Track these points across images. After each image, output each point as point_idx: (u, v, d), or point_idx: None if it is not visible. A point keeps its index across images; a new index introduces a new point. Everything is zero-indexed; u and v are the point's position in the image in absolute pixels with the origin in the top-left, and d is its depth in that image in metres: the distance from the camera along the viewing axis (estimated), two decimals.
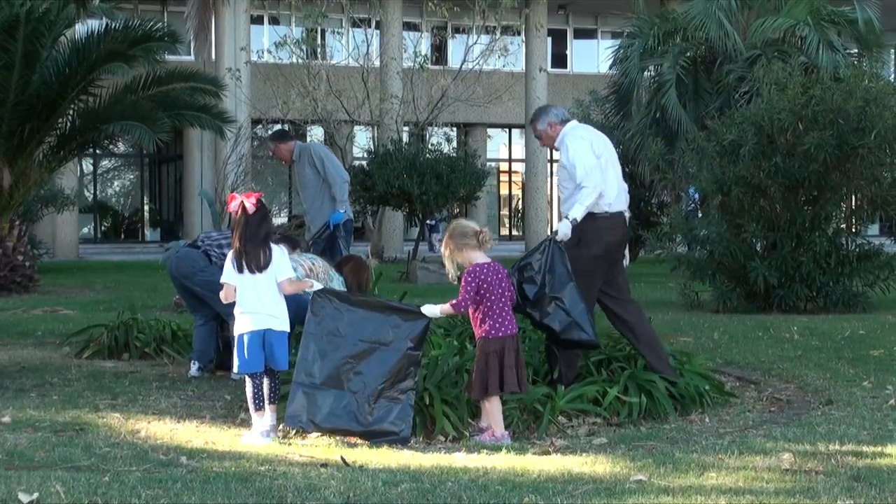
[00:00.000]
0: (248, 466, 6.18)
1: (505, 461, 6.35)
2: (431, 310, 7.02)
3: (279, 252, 7.17)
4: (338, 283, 8.94)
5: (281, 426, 7.13)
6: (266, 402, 7.05)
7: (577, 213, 7.93)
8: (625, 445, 6.85)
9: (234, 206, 7.07)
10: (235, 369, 7.34)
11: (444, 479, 5.84)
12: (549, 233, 8.81)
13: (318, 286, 7.39)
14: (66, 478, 5.73)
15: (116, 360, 10.47)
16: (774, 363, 10.13)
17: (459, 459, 6.40)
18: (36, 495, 5.35)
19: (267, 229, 7.16)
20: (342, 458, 6.35)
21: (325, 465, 6.21)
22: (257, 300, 7.03)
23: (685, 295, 15.89)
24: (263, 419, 7.01)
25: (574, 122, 8.40)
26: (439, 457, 6.50)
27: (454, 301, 6.96)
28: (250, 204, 7.04)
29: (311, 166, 11.08)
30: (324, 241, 10.51)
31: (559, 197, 8.35)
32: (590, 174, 7.96)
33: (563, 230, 7.93)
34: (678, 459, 6.31)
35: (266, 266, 7.03)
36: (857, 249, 15.32)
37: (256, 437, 6.96)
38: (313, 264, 8.95)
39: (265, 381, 7.05)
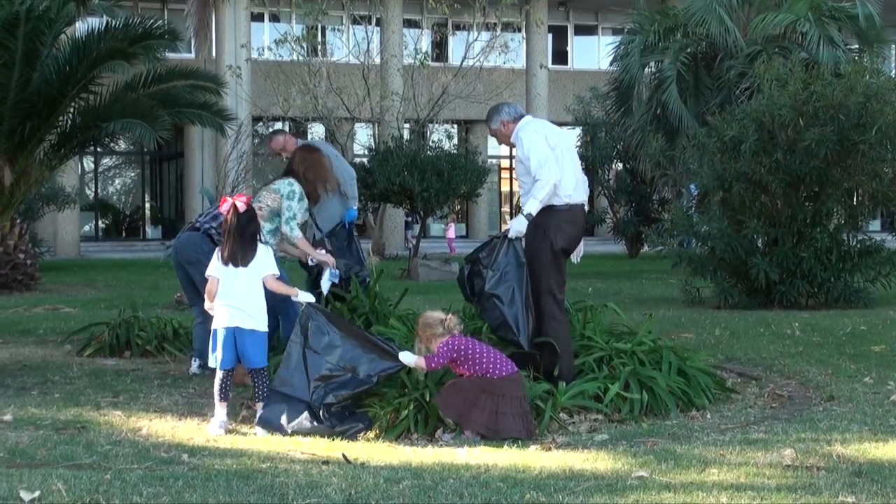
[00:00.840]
0: (249, 464, 6.18)
1: (506, 458, 6.35)
2: (407, 358, 7.16)
3: (265, 250, 7.47)
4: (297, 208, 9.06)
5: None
6: (255, 400, 7.34)
7: (532, 207, 7.90)
8: (626, 442, 6.85)
9: (224, 207, 7.39)
10: (210, 363, 7.52)
11: (446, 475, 5.84)
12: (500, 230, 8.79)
13: (304, 297, 7.49)
14: (68, 476, 5.73)
15: (118, 358, 10.48)
16: (776, 359, 10.12)
17: (461, 456, 6.40)
18: (37, 493, 5.35)
19: (254, 228, 7.46)
20: (344, 455, 6.35)
21: (326, 462, 6.21)
22: (233, 293, 7.26)
23: (686, 291, 15.90)
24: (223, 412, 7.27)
25: (528, 118, 8.38)
26: (441, 453, 6.51)
27: (429, 358, 7.09)
28: (241, 203, 7.35)
29: None
30: (341, 239, 10.35)
31: (519, 192, 8.35)
32: (543, 165, 7.93)
33: (517, 227, 7.91)
34: (679, 456, 6.31)
35: (249, 261, 7.31)
36: (859, 245, 15.32)
37: (214, 427, 7.17)
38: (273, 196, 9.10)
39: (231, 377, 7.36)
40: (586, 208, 8.38)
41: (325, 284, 8.99)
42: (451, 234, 34.43)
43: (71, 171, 29.05)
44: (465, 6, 27.99)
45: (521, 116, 8.31)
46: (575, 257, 8.48)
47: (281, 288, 7.52)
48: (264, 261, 7.39)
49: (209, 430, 7.17)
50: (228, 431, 7.16)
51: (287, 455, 6.46)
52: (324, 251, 9.23)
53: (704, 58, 23.72)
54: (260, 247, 7.43)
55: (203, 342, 9.53)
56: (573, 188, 8.11)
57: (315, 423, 7.06)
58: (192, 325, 9.92)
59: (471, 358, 7.08)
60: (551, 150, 8.03)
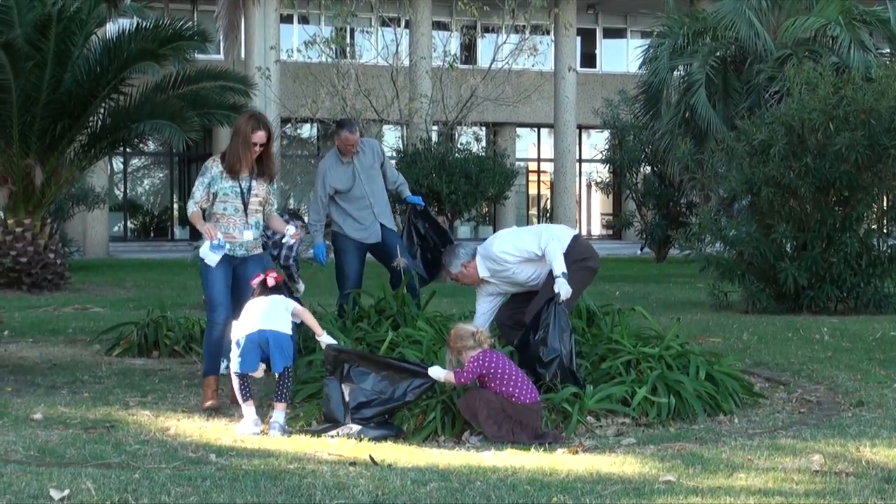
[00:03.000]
0: (277, 464, 6.20)
1: (534, 461, 6.35)
2: (437, 373, 7.20)
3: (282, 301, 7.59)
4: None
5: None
6: (277, 399, 7.38)
7: (561, 266, 8.03)
8: (653, 446, 6.84)
9: (256, 282, 7.64)
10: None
11: (473, 478, 5.84)
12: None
13: (326, 339, 7.58)
14: (97, 475, 5.76)
15: (146, 358, 10.53)
16: (804, 364, 10.08)
17: (488, 459, 6.40)
18: (67, 492, 5.39)
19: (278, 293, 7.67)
20: (371, 456, 6.36)
21: (353, 463, 6.23)
22: (256, 309, 7.48)
23: (714, 295, 15.84)
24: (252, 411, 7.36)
25: (476, 248, 8.45)
26: (468, 456, 6.51)
27: (458, 373, 7.12)
28: (272, 279, 7.60)
29: (377, 160, 10.61)
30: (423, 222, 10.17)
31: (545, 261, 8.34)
32: (539, 239, 8.16)
33: (564, 288, 7.95)
34: (707, 460, 6.29)
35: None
36: (889, 250, 15.23)
37: (247, 426, 7.25)
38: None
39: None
40: None
41: (205, 253, 8.00)
42: None
43: (100, 171, 29.14)
44: (494, 9, 27.96)
45: (474, 252, 8.39)
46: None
47: (310, 320, 7.64)
48: (287, 300, 7.64)
49: (238, 430, 7.20)
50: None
51: (314, 456, 6.48)
52: (210, 225, 8.08)
53: (734, 61, 23.63)
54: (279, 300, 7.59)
55: None
56: (565, 229, 8.55)
57: (343, 431, 7.12)
58: None
59: (499, 377, 7.10)
60: (522, 238, 8.30)
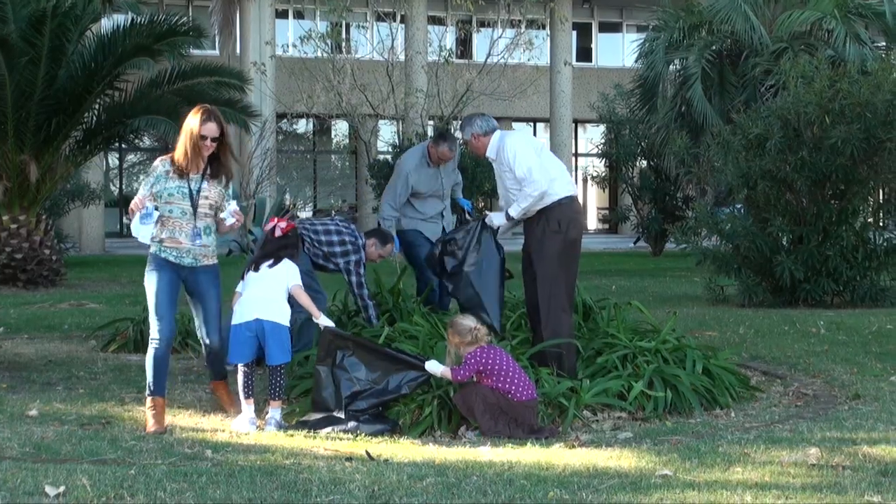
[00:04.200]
0: (273, 460, 6.19)
1: (530, 455, 6.34)
2: (434, 368, 7.19)
3: (292, 265, 7.55)
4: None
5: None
6: (271, 397, 7.31)
7: (515, 212, 8.13)
8: (650, 440, 6.84)
9: (268, 226, 7.61)
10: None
11: (470, 472, 5.84)
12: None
13: (324, 321, 7.54)
14: (93, 471, 5.75)
15: (142, 354, 10.41)
16: (801, 358, 10.08)
17: (484, 454, 6.40)
18: (62, 488, 5.38)
19: (289, 253, 7.60)
20: (367, 452, 6.36)
21: (349, 458, 6.22)
22: (254, 292, 7.39)
23: (710, 289, 15.84)
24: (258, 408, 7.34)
25: (502, 131, 8.42)
26: (464, 451, 6.51)
27: (455, 370, 7.12)
28: (281, 227, 7.58)
29: (456, 164, 10.60)
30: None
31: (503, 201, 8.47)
32: (531, 174, 8.08)
33: (497, 219, 8.22)
34: (704, 454, 6.29)
35: (271, 267, 7.50)
36: (885, 244, 15.23)
37: (243, 423, 7.21)
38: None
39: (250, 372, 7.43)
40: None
41: (135, 228, 7.49)
42: None
43: (96, 167, 29.11)
44: (489, 3, 27.95)
45: (494, 129, 8.38)
46: None
47: (306, 302, 7.55)
48: (290, 272, 7.51)
49: (234, 426, 7.19)
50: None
51: (311, 452, 6.47)
52: (138, 197, 7.40)
53: (729, 55, 23.63)
54: (287, 262, 7.50)
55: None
56: (566, 184, 8.28)
57: (339, 427, 7.10)
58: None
59: (496, 373, 7.10)
60: (537, 157, 8.18)
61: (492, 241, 8.32)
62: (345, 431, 7.03)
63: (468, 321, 7.38)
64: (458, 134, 8.48)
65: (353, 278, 8.85)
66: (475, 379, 7.16)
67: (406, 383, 7.21)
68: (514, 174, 8.13)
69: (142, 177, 40.28)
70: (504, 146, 8.24)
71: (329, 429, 7.10)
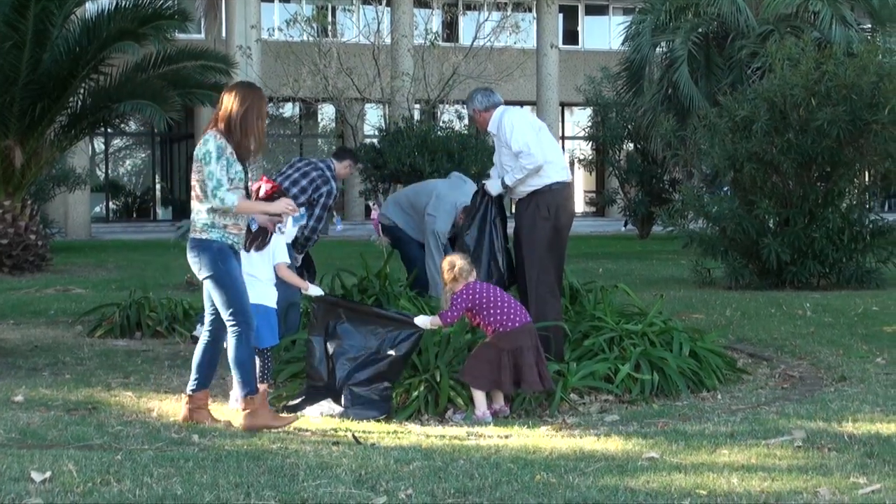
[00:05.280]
0: (259, 444, 6.18)
1: (517, 439, 6.35)
2: (423, 321, 7.16)
3: (280, 239, 7.44)
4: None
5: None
6: (261, 380, 7.18)
7: (510, 180, 8.20)
8: (637, 423, 6.85)
9: (255, 185, 7.35)
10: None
11: (457, 456, 5.84)
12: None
13: (314, 291, 7.51)
14: (79, 456, 5.74)
15: (128, 339, 10.50)
16: (787, 340, 10.10)
17: (471, 437, 6.40)
18: (48, 474, 5.36)
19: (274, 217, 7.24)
20: (354, 436, 6.35)
21: (336, 443, 6.21)
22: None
23: (697, 272, 15.87)
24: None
25: (505, 107, 8.44)
26: (451, 434, 6.50)
27: (443, 314, 7.10)
28: (266, 186, 7.36)
29: None
30: None
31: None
32: (528, 148, 8.08)
33: (494, 188, 8.29)
34: (690, 436, 6.30)
35: (261, 248, 7.36)
36: (871, 226, 15.27)
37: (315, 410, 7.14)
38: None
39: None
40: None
41: (291, 233, 7.78)
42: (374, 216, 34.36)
43: (81, 152, 29.02)
44: None
45: (496, 105, 8.42)
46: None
47: (292, 278, 7.52)
48: (278, 249, 7.43)
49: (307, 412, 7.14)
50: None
51: (297, 436, 6.47)
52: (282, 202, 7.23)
53: (716, 37, 23.64)
54: (276, 236, 7.37)
55: None
56: (559, 169, 8.27)
57: (336, 407, 7.07)
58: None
59: (486, 306, 7.05)
60: (535, 135, 8.20)
61: (497, 208, 8.37)
62: (332, 416, 7.01)
63: (452, 257, 7.35)
64: (469, 104, 8.52)
65: (318, 210, 9.23)
66: (467, 319, 7.15)
67: (399, 342, 7.09)
68: (510, 149, 8.14)
69: (127, 162, 40.19)
70: (503, 121, 8.26)
71: (319, 411, 7.08)
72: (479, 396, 7.01)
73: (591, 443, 6.20)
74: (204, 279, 6.77)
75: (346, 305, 7.49)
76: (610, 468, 5.58)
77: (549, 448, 6.04)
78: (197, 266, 6.77)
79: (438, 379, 7.22)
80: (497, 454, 5.91)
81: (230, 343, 6.75)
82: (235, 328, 6.71)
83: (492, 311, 7.06)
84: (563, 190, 8.25)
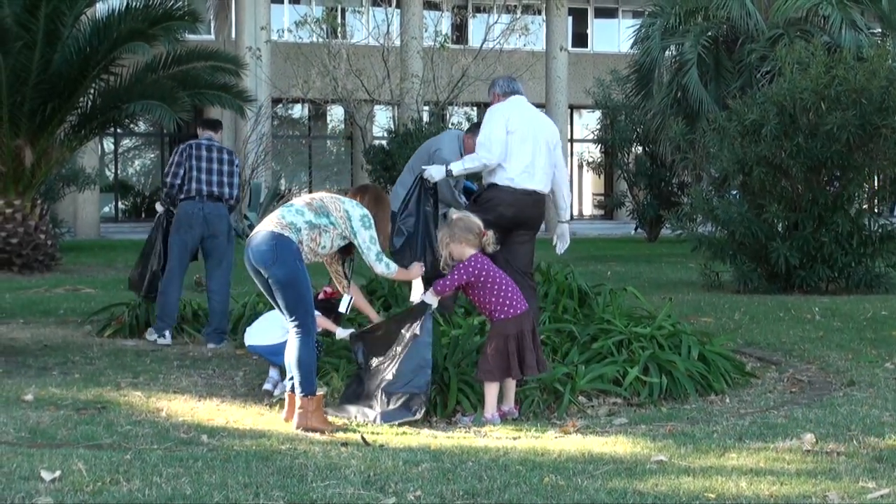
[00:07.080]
0: (268, 445, 6.20)
1: (525, 441, 6.35)
2: (416, 297, 7.18)
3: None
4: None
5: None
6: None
7: (456, 167, 8.30)
8: (645, 426, 6.85)
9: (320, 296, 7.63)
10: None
11: (465, 458, 5.84)
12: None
13: (342, 333, 7.53)
14: (88, 456, 5.76)
15: (138, 339, 10.51)
16: (796, 344, 10.09)
17: (480, 439, 6.40)
18: (58, 473, 5.38)
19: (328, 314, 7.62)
20: (363, 437, 6.36)
21: (345, 444, 6.22)
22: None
23: (706, 275, 15.85)
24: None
25: (515, 97, 8.43)
26: (460, 436, 6.51)
27: (437, 282, 7.04)
28: (323, 294, 7.74)
29: None
30: None
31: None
32: (487, 143, 8.13)
33: (437, 173, 8.32)
34: (699, 440, 6.30)
35: None
36: (880, 230, 15.25)
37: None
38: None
39: None
40: (542, 193, 8.43)
41: (345, 304, 7.74)
42: None
43: (91, 152, 29.06)
44: None
45: (513, 93, 8.42)
46: (559, 248, 8.83)
47: (324, 323, 7.52)
48: None
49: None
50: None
51: (306, 436, 6.47)
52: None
53: (725, 41, 23.62)
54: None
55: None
56: (519, 173, 8.25)
57: (369, 412, 6.99)
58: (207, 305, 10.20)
59: (490, 286, 6.97)
60: (505, 134, 8.18)
61: (426, 197, 8.34)
62: (366, 419, 6.91)
63: (479, 222, 7.15)
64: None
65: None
66: (463, 291, 7.10)
67: (413, 328, 6.96)
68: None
69: (137, 162, 40.22)
70: (491, 108, 8.33)
71: (353, 413, 6.99)
72: (490, 396, 6.95)
73: (599, 445, 6.20)
74: (272, 274, 6.73)
75: (368, 332, 7.40)
76: (618, 471, 5.58)
77: (558, 450, 6.05)
78: (271, 258, 6.71)
79: (447, 381, 7.22)
80: (505, 456, 5.91)
81: (293, 342, 6.80)
82: (299, 328, 6.77)
83: (496, 292, 6.98)
84: (525, 195, 8.23)
